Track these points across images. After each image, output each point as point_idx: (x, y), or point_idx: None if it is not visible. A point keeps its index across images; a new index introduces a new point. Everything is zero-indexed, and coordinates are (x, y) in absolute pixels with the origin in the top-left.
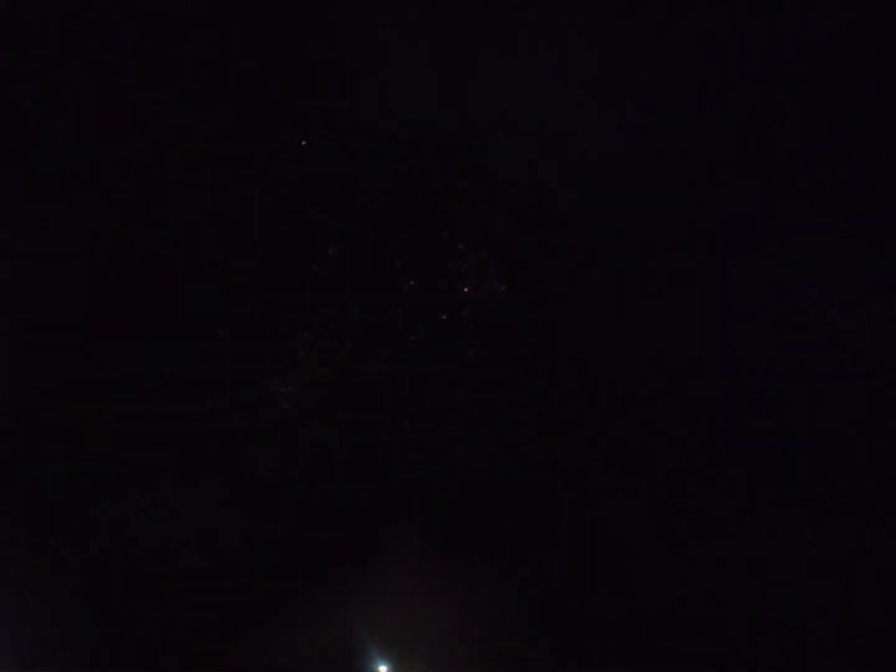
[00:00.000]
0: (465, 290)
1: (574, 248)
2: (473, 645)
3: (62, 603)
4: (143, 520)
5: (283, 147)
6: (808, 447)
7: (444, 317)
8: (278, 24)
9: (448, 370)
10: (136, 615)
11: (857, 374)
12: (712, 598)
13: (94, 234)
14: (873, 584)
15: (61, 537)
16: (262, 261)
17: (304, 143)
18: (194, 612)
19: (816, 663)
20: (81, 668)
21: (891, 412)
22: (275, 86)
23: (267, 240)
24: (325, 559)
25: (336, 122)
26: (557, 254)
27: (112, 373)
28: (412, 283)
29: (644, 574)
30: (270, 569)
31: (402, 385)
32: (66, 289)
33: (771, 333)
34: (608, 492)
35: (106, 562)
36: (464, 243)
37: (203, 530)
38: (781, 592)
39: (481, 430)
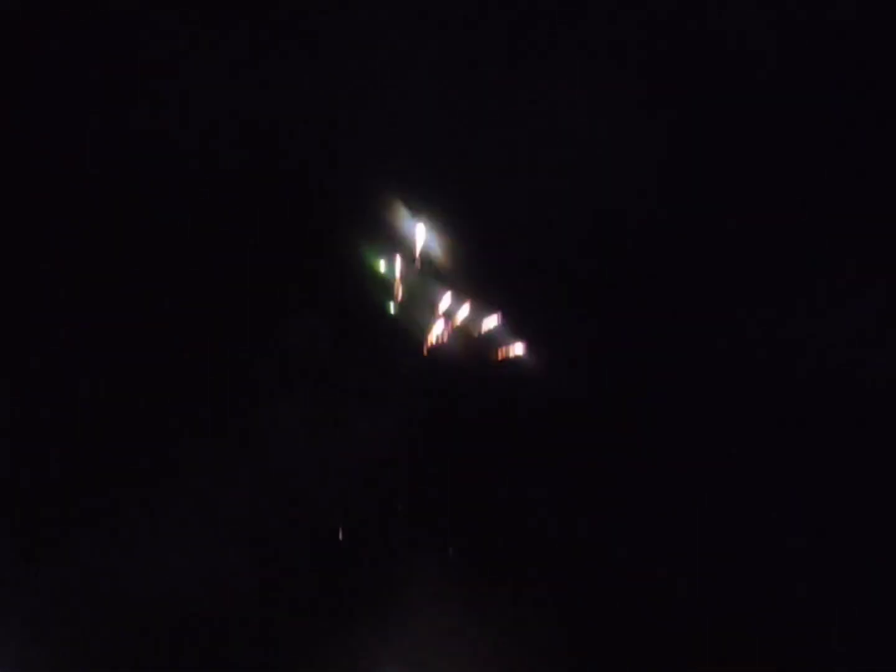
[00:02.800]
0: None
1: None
2: (488, 661)
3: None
4: (151, 564)
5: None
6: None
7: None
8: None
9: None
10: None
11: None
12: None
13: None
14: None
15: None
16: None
17: None
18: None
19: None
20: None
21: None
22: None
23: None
24: (341, 581)
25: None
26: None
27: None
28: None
29: (661, 593)
30: (287, 594)
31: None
32: (66, 290)
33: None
34: (626, 508)
35: (119, 596)
36: None
37: (219, 566)
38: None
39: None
